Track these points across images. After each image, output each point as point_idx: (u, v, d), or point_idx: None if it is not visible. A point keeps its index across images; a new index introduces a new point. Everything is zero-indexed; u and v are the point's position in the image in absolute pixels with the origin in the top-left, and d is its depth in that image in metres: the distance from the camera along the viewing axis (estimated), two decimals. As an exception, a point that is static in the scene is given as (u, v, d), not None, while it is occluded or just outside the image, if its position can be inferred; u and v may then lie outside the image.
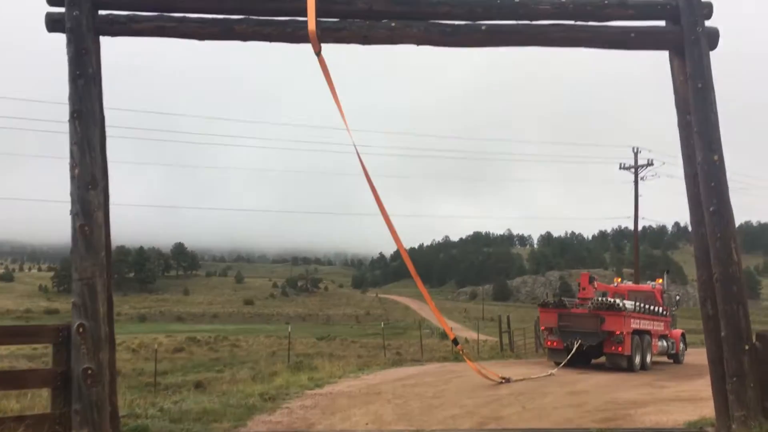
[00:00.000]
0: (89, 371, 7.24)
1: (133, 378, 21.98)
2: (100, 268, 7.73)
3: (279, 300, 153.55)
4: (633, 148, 41.09)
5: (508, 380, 14.78)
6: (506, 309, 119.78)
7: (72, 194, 7.78)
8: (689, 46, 8.44)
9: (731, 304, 7.91)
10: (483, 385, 13.93)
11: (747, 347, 7.80)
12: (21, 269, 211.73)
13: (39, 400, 9.25)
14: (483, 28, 8.45)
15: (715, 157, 8.14)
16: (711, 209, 8.10)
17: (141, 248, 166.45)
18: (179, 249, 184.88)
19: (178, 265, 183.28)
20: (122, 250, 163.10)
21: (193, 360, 31.01)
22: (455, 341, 14.68)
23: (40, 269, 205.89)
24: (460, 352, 15.77)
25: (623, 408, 11.09)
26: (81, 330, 7.39)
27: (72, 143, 7.81)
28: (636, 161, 41.03)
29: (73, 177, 7.79)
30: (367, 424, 9.14)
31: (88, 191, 7.74)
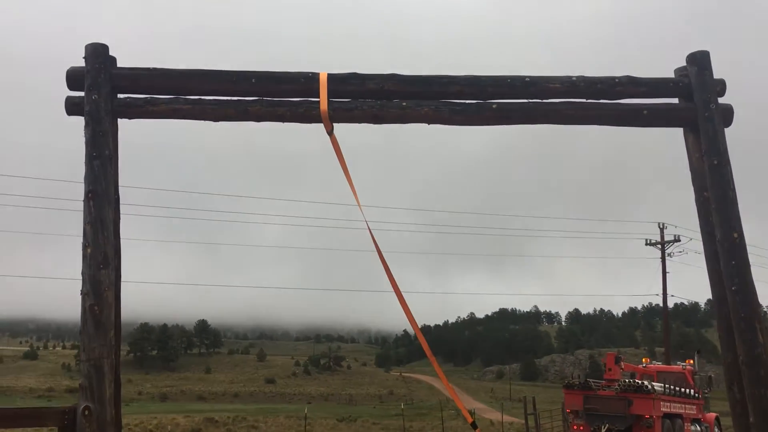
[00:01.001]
0: (93, 455, 7.04)
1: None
2: (108, 349, 7.64)
3: (301, 378, 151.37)
4: (659, 224, 40.70)
5: None
6: (534, 389, 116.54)
7: (83, 273, 7.79)
8: (703, 123, 8.40)
9: (758, 389, 7.55)
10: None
11: (778, 434, 7.38)
12: (45, 347, 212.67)
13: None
14: (494, 106, 8.49)
15: (735, 235, 7.95)
16: (733, 288, 7.85)
17: (164, 325, 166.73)
18: (202, 326, 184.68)
19: (200, 342, 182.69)
20: (146, 328, 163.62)
21: (209, 442, 30.31)
22: (474, 425, 14.16)
23: (64, 346, 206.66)
24: None
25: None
26: (86, 413, 7.24)
27: (85, 223, 7.89)
28: (662, 237, 40.55)
29: (85, 256, 7.82)
30: None
31: (100, 270, 7.74)
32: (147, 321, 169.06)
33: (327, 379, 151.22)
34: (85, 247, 7.83)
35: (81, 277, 7.79)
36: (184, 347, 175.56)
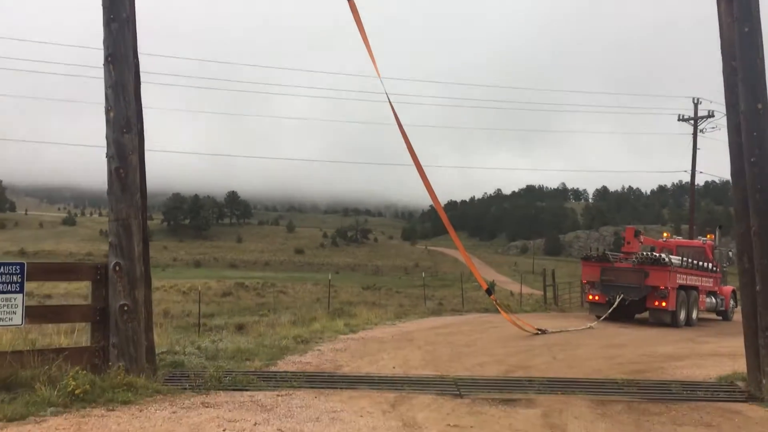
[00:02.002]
0: (125, 308, 7.53)
1: (180, 319, 22.80)
2: (135, 210, 7.96)
3: (329, 250, 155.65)
4: (693, 99, 39.47)
5: (544, 332, 14.81)
6: (557, 264, 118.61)
7: (107, 137, 7.99)
8: (737, -14, 8.02)
9: (767, 259, 7.68)
10: (519, 336, 13.96)
11: (782, 302, 7.57)
12: (83, 213, 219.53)
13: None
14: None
15: (759, 106, 7.79)
16: (752, 160, 7.80)
17: (196, 196, 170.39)
18: (232, 197, 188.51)
19: (231, 213, 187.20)
20: (178, 198, 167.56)
21: (239, 304, 31.95)
22: (488, 291, 14.71)
23: (100, 214, 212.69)
24: (494, 303, 15.80)
25: (657, 361, 10.98)
26: (117, 268, 7.68)
27: (107, 87, 7.99)
28: (696, 112, 39.45)
29: (108, 120, 7.99)
30: (393, 367, 9.30)
31: (123, 135, 7.92)
32: (179, 191, 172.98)
33: (354, 251, 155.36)
34: (107, 111, 7.97)
35: (105, 141, 8.02)
36: (215, 217, 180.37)
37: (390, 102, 13.15)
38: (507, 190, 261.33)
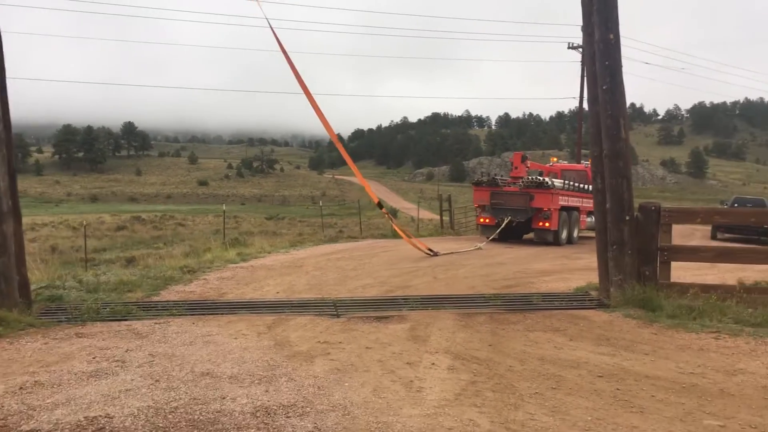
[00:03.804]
0: (-7, 243, 7.36)
1: (69, 255, 22.19)
2: (-3, 143, 7.68)
3: (234, 181, 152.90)
4: (581, 27, 40.61)
5: (436, 253, 15.50)
6: (461, 189, 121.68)
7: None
8: None
9: (616, 178, 8.36)
10: (406, 259, 14.53)
11: (628, 218, 8.31)
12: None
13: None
14: None
15: (611, 36, 8.30)
16: (604, 87, 8.35)
17: (89, 127, 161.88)
18: (129, 128, 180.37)
19: (128, 145, 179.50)
20: (69, 129, 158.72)
21: (134, 238, 31.28)
22: (379, 205, 15.26)
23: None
24: (386, 216, 16.44)
25: (529, 277, 11.81)
26: (-20, 202, 7.45)
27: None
28: (583, 41, 40.77)
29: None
30: (277, 292, 9.59)
31: (-23, 62, 7.55)
32: (70, 123, 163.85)
33: (260, 182, 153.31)
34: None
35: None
36: (111, 149, 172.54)
37: (272, 28, 12.97)
38: (413, 118, 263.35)
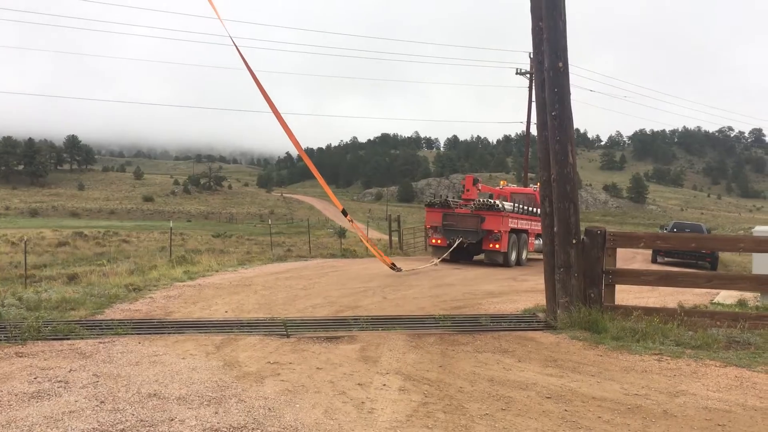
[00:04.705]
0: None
1: (8, 270, 21.40)
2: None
3: (180, 198, 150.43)
4: (529, 54, 41.76)
5: (399, 269, 15.88)
6: (410, 210, 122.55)
7: None
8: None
9: (564, 202, 8.56)
10: (357, 278, 14.54)
11: (574, 241, 8.51)
12: None
13: None
14: None
15: (560, 64, 8.54)
16: (553, 113, 8.58)
17: (30, 140, 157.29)
18: (72, 141, 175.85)
19: (71, 158, 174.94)
20: (9, 142, 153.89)
21: (76, 254, 30.36)
22: (344, 212, 15.42)
23: None
24: (350, 223, 16.70)
25: (477, 298, 11.94)
26: None
27: None
28: (531, 67, 41.85)
29: None
30: (226, 312, 9.45)
31: None
32: (10, 135, 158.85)
33: (207, 199, 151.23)
34: None
35: None
36: (53, 163, 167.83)
37: (237, 48, 12.96)
38: (362, 138, 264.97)
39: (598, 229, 8.73)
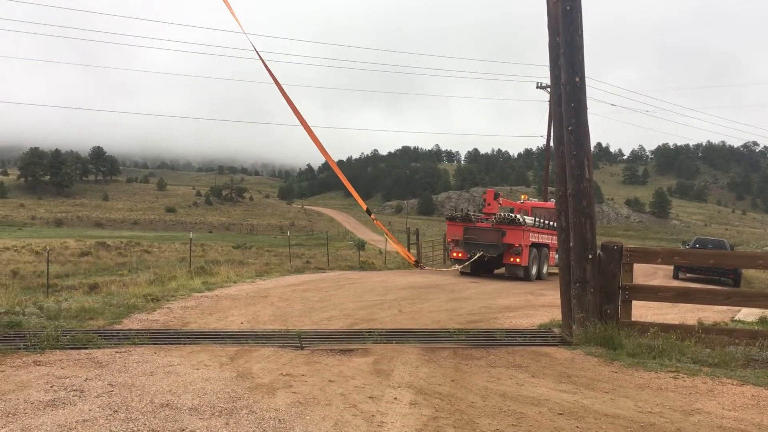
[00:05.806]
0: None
1: (31, 279, 21.74)
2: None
3: (202, 209, 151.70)
4: (549, 69, 41.71)
5: (422, 267, 15.92)
6: (430, 223, 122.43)
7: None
8: (560, -33, 8.65)
9: (580, 217, 8.53)
10: (373, 291, 14.55)
11: (590, 256, 8.47)
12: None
13: None
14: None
15: (577, 79, 8.54)
16: (569, 128, 8.57)
17: (57, 151, 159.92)
18: (98, 153, 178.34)
19: (96, 169, 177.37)
20: (36, 153, 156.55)
21: (98, 264, 30.76)
22: (368, 211, 15.55)
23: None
24: (374, 221, 16.87)
25: (493, 312, 11.89)
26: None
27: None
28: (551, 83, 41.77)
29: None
30: (241, 323, 9.52)
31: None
32: (37, 146, 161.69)
33: (229, 210, 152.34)
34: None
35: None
36: (79, 174, 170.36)
37: (263, 61, 13.08)
38: (383, 151, 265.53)
39: (614, 244, 8.68)
